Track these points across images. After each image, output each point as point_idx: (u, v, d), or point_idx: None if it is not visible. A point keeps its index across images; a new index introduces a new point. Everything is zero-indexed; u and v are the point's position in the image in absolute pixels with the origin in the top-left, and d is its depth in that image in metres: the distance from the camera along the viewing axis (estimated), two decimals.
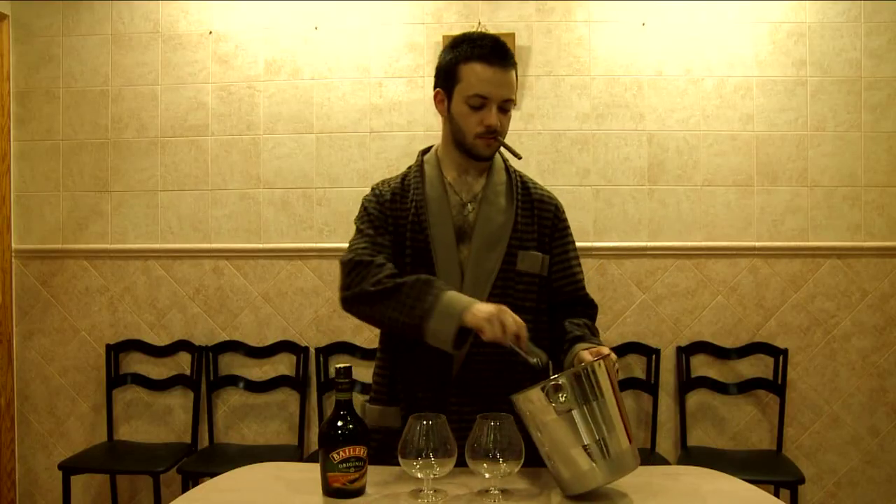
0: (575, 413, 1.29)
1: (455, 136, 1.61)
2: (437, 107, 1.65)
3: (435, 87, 1.64)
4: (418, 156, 1.72)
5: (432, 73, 3.19)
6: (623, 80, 3.11)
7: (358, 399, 1.59)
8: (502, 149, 1.64)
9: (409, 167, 1.71)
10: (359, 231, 1.63)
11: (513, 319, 1.39)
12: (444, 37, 3.08)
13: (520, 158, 1.63)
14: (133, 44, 3.24)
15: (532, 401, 1.32)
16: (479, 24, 3.08)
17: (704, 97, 3.09)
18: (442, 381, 1.56)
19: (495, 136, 1.57)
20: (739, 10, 3.08)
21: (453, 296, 1.44)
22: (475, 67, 1.54)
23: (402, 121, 3.16)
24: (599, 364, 1.34)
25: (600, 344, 1.55)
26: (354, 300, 1.53)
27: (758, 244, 3.08)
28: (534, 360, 1.38)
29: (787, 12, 3.07)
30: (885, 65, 3.05)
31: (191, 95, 3.22)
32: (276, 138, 3.20)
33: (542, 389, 1.30)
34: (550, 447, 1.33)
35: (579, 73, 3.11)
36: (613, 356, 1.41)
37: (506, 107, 1.58)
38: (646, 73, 3.10)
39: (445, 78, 1.60)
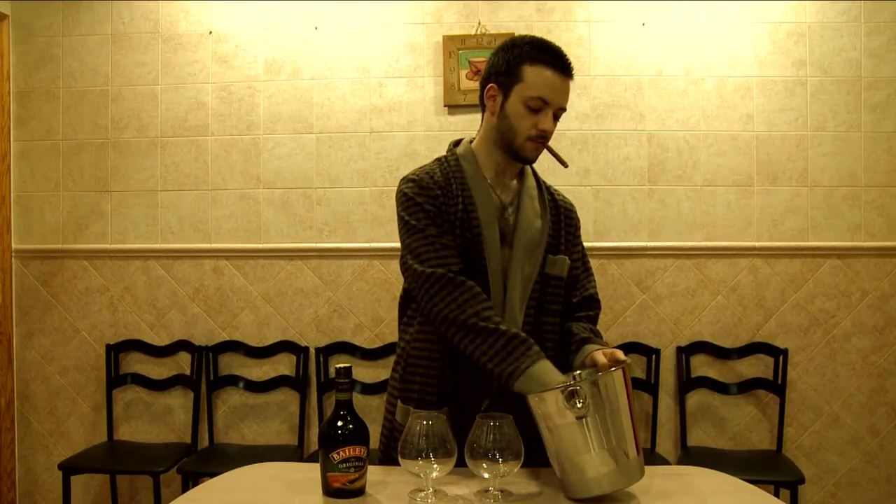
0: (588, 420, 1.29)
1: (504, 134, 1.59)
2: (486, 101, 1.62)
3: (487, 83, 1.61)
4: (450, 148, 1.69)
5: (432, 73, 3.23)
6: (623, 80, 3.11)
7: (399, 407, 1.60)
8: None
9: (439, 159, 1.67)
10: (417, 230, 1.55)
11: None
12: (444, 37, 3.08)
13: (566, 167, 1.65)
14: (133, 44, 3.24)
15: (547, 402, 1.32)
16: (479, 24, 3.08)
17: (704, 97, 3.09)
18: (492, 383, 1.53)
19: (545, 141, 1.57)
20: (739, 10, 3.08)
21: (545, 366, 1.42)
22: (542, 70, 1.53)
23: (402, 121, 3.15)
24: (618, 372, 1.33)
25: (608, 345, 1.54)
26: (446, 324, 1.50)
27: (758, 244, 3.08)
28: None
29: (787, 12, 3.07)
30: (885, 65, 3.05)
31: (191, 95, 3.22)
32: (276, 138, 3.20)
33: (562, 392, 1.29)
34: (559, 450, 1.33)
35: (579, 73, 3.11)
36: (629, 361, 1.41)
37: (558, 115, 1.59)
38: (646, 73, 3.10)
39: (505, 74, 1.57)
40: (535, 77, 1.54)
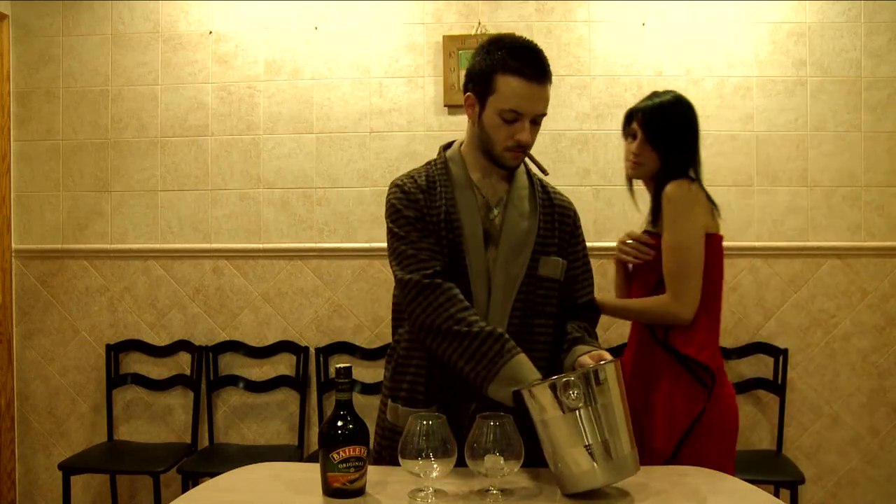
0: (581, 412, 1.30)
1: (483, 143, 1.59)
2: (466, 110, 1.62)
3: (465, 91, 1.60)
4: (440, 151, 1.69)
5: (432, 73, 3.23)
6: (623, 80, 3.11)
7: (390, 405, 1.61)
8: None
9: (428, 163, 1.68)
10: (399, 237, 1.58)
11: None
12: (444, 37, 3.08)
13: (546, 174, 1.64)
14: (133, 44, 3.24)
15: (540, 396, 1.33)
16: (479, 24, 3.08)
17: (704, 97, 3.09)
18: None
19: (524, 150, 1.56)
20: (739, 10, 3.07)
21: (517, 364, 1.43)
22: (511, 81, 1.50)
23: (402, 121, 3.15)
24: (611, 366, 1.34)
25: (600, 348, 1.54)
26: (423, 331, 1.52)
27: (758, 244, 3.08)
28: None
29: (787, 12, 3.07)
30: (885, 65, 3.05)
31: (191, 95, 3.22)
32: (276, 138, 3.19)
33: (551, 387, 1.30)
34: (553, 444, 1.33)
35: (579, 73, 3.11)
36: (619, 360, 1.41)
37: (538, 120, 1.56)
38: (646, 73, 3.10)
39: (480, 84, 1.55)
40: (507, 88, 1.50)
